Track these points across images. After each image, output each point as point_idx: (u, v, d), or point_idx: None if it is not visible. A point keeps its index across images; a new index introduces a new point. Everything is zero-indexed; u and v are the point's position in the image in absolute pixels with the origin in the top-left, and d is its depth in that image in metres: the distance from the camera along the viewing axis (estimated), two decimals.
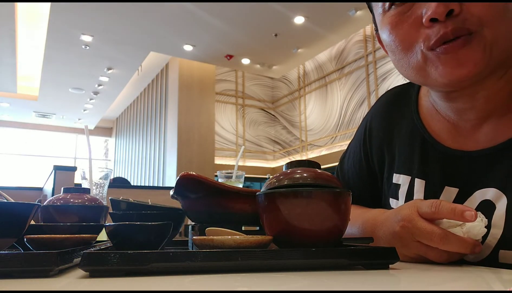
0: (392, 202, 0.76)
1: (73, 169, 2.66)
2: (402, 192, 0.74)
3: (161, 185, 6.11)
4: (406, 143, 0.75)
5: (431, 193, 0.69)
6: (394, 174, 0.76)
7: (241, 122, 8.73)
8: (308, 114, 8.12)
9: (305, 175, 0.52)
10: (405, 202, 0.72)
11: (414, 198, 0.71)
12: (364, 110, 6.70)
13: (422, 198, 0.70)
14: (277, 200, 0.50)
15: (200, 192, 0.63)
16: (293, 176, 0.52)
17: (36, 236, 0.56)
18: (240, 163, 8.28)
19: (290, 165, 0.55)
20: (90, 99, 8.53)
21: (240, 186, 1.06)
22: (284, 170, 0.56)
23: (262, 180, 8.34)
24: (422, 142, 0.72)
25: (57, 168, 2.55)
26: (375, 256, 0.48)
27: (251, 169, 8.41)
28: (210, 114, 6.80)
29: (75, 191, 0.82)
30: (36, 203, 0.50)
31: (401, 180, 0.75)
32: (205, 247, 0.47)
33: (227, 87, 8.64)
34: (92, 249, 0.43)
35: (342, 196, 0.51)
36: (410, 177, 0.73)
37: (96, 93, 8.21)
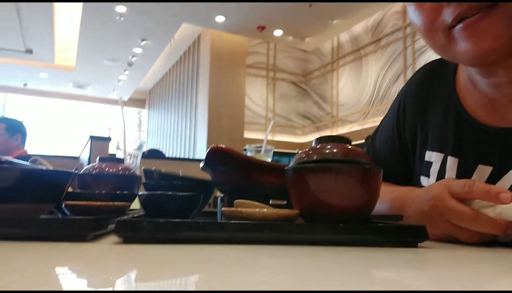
0: (423, 180, 0.75)
1: (108, 139, 2.75)
2: (434, 170, 0.73)
3: (191, 157, 6.23)
4: (440, 119, 0.74)
5: (464, 171, 0.67)
6: (427, 151, 0.75)
7: (271, 96, 8.66)
8: (341, 88, 7.95)
9: (335, 150, 0.51)
10: (436, 180, 0.71)
11: (446, 176, 0.70)
12: (399, 86, 6.48)
13: (454, 176, 0.68)
14: (306, 175, 0.50)
15: (229, 165, 0.64)
16: (322, 151, 0.52)
17: (73, 202, 0.59)
18: (269, 137, 8.28)
19: (320, 140, 0.55)
20: (124, 70, 8.69)
21: (269, 160, 1.06)
22: (313, 145, 0.55)
23: (290, 155, 8.33)
24: (457, 118, 0.70)
25: (93, 138, 2.65)
26: (404, 233, 0.48)
27: (280, 143, 8.39)
28: (240, 88, 6.79)
29: (110, 160, 0.85)
30: (73, 171, 0.53)
31: (433, 157, 0.73)
32: (234, 218, 0.48)
33: (258, 59, 8.55)
34: (126, 217, 0.45)
35: (372, 173, 0.50)
36: (443, 155, 0.72)
37: (130, 64, 8.34)
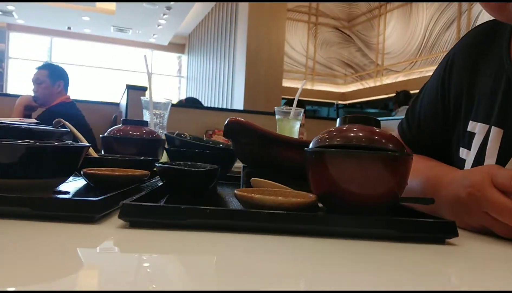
0: (463, 152, 0.70)
1: (144, 88, 2.76)
2: (476, 142, 0.67)
3: (229, 106, 6.20)
4: (489, 86, 0.67)
5: (508, 143, 0.61)
6: (470, 121, 0.69)
7: (312, 43, 8.31)
8: (388, 35, 7.48)
9: (360, 134, 0.46)
10: (477, 153, 0.66)
11: (488, 148, 0.64)
12: (451, 34, 5.99)
13: (497, 149, 0.63)
14: (326, 160, 0.46)
15: (248, 138, 0.61)
16: (346, 134, 0.47)
17: (91, 170, 0.59)
18: (308, 87, 8.07)
19: (344, 120, 0.50)
20: (164, 14, 8.59)
21: (298, 123, 1.01)
22: (338, 125, 0.51)
23: (330, 105, 8.12)
24: (507, 85, 0.63)
25: (129, 87, 2.67)
26: (430, 229, 0.44)
27: (320, 93, 8.16)
28: (280, 33, 6.52)
29: (134, 123, 0.84)
30: (85, 144, 0.51)
31: (477, 128, 0.67)
32: (245, 203, 0.46)
33: (300, 3, 8.12)
34: (132, 199, 0.43)
35: (400, 161, 0.45)
36: (487, 126, 0.65)
37: (169, 8, 8.22)
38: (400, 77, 7.07)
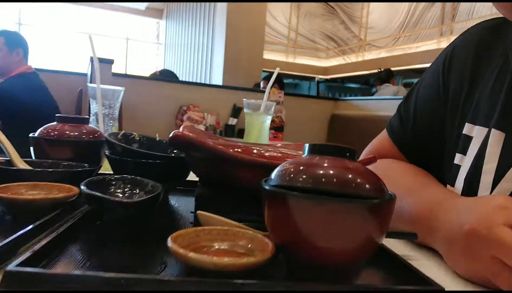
0: (457, 158, 0.62)
1: (111, 61, 2.57)
2: (474, 146, 0.59)
3: (207, 81, 5.96)
4: (490, 85, 0.60)
5: (510, 149, 0.54)
6: (466, 124, 0.62)
7: (295, 13, 8.06)
8: (372, 9, 7.31)
9: (331, 172, 0.36)
10: (474, 157, 0.58)
11: (487, 152, 0.57)
12: (435, 11, 5.88)
13: (498, 154, 0.55)
14: (288, 204, 0.35)
15: (197, 154, 0.50)
16: (315, 171, 0.36)
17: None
18: (290, 60, 7.88)
19: (314, 149, 0.39)
20: None
21: (269, 118, 0.91)
22: (305, 154, 0.40)
23: (311, 79, 7.98)
24: (511, 84, 0.57)
25: (93, 60, 2.47)
26: None
27: (301, 67, 7.98)
28: (261, 3, 6.27)
29: (73, 120, 0.72)
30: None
31: (474, 131, 0.60)
32: (181, 262, 0.35)
33: None
34: (19, 264, 0.32)
35: (381, 209, 0.35)
36: (486, 129, 0.58)
37: None
38: (383, 53, 6.97)
